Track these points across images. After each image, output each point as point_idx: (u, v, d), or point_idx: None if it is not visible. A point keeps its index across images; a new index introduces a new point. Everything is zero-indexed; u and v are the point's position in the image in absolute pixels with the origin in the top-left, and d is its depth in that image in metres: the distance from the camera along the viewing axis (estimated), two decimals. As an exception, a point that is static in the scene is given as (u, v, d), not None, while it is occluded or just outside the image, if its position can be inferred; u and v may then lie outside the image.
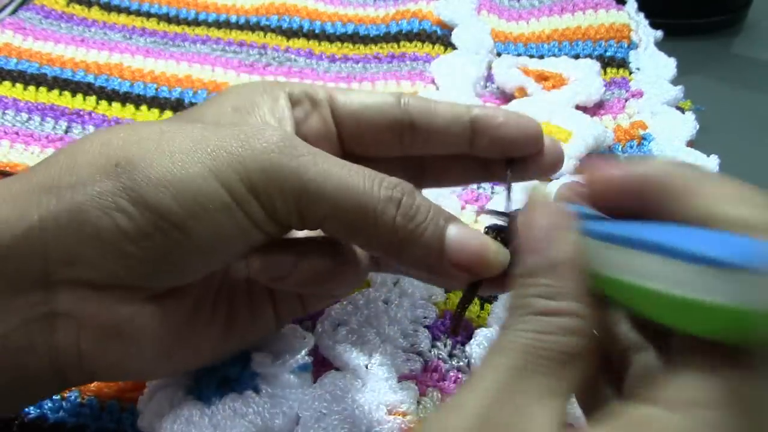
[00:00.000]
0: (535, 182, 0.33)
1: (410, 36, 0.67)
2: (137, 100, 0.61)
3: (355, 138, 0.37)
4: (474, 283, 0.32)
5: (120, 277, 0.29)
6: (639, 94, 0.60)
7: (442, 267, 0.31)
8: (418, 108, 0.37)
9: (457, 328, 0.36)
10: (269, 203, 0.30)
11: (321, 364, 0.39)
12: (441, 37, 0.67)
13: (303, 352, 0.37)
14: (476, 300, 0.44)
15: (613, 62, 0.65)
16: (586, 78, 0.60)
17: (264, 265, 0.32)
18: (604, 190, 0.27)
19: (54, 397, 0.38)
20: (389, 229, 0.30)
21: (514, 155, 0.38)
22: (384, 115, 0.36)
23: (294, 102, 0.36)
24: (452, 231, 0.31)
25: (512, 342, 0.25)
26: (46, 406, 0.38)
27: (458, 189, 0.51)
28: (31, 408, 0.38)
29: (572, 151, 0.52)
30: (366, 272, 0.37)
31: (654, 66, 0.65)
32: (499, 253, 0.31)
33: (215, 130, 0.31)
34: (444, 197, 0.49)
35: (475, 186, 0.52)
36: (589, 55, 0.65)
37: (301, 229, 0.31)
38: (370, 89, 0.62)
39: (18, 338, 0.29)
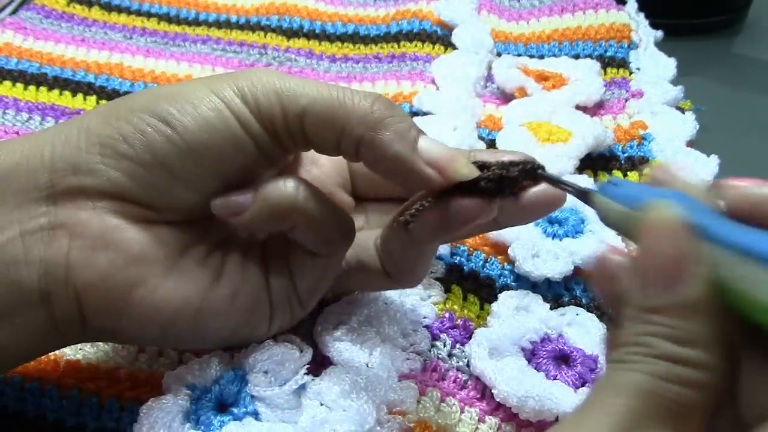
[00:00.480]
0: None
1: (410, 36, 0.67)
2: (137, 100, 0.60)
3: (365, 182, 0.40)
4: (441, 193, 0.33)
5: (119, 184, 0.32)
6: (639, 94, 0.60)
7: (414, 160, 0.32)
8: None
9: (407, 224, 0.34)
10: (255, 103, 0.32)
11: (320, 363, 0.39)
12: (441, 37, 0.67)
13: (301, 372, 0.36)
14: (476, 300, 0.44)
15: (613, 62, 0.65)
16: (586, 78, 0.60)
17: (223, 200, 0.33)
18: (740, 204, 0.25)
19: (53, 395, 0.38)
20: (366, 111, 0.32)
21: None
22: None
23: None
24: (425, 138, 0.33)
25: (631, 383, 0.24)
26: (46, 405, 0.38)
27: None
28: (31, 407, 0.38)
29: (572, 151, 0.52)
30: (349, 227, 0.36)
31: (654, 66, 0.65)
32: (467, 165, 0.32)
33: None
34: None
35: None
36: (590, 55, 0.65)
37: (287, 132, 0.33)
38: (371, 89, 0.62)
39: (13, 249, 0.31)
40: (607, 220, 0.29)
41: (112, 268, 0.32)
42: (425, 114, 0.57)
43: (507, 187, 0.33)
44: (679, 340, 0.23)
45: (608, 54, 0.65)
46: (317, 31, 0.70)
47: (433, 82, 0.61)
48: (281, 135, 0.33)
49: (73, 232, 0.31)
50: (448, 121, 0.55)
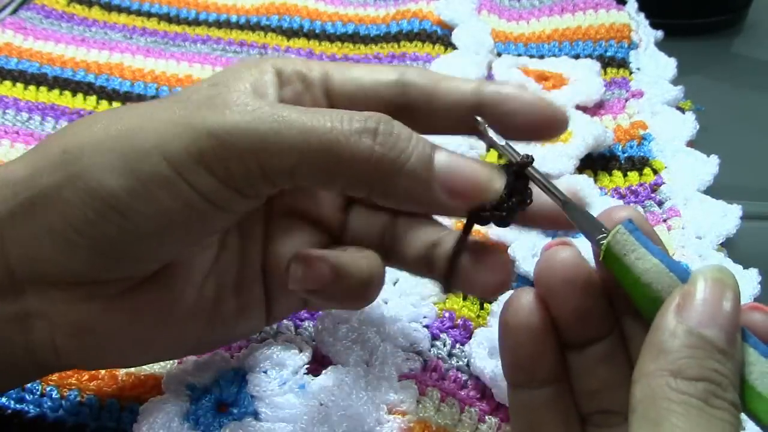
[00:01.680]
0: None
1: (410, 36, 0.67)
2: (138, 100, 0.61)
3: None
4: (473, 215, 0.30)
5: (77, 272, 0.29)
6: (639, 94, 0.60)
7: (432, 196, 0.29)
8: (418, 89, 0.33)
9: (452, 271, 0.33)
10: (221, 168, 0.27)
11: (320, 362, 0.39)
12: (441, 37, 0.67)
13: (301, 372, 0.36)
14: (475, 299, 0.44)
15: (614, 62, 0.64)
16: (586, 78, 0.60)
17: (304, 274, 0.30)
18: None
19: (53, 395, 0.38)
20: (368, 160, 0.28)
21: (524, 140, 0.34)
22: (381, 98, 0.33)
23: (284, 80, 0.33)
24: (440, 157, 0.29)
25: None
26: (45, 405, 0.38)
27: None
28: (31, 407, 0.38)
29: (572, 151, 0.52)
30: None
31: (654, 66, 0.65)
32: (493, 178, 0.29)
33: (170, 104, 0.29)
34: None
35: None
36: (590, 55, 0.65)
37: (271, 192, 0.29)
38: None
39: None
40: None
41: (103, 350, 0.31)
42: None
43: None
44: (737, 388, 0.24)
45: (608, 54, 0.65)
46: (317, 31, 0.70)
47: (433, 82, 0.61)
48: (264, 192, 0.29)
49: (53, 322, 0.30)
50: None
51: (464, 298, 0.43)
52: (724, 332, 0.24)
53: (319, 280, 0.30)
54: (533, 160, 0.30)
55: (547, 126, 0.33)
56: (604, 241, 0.28)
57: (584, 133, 0.53)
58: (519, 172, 0.30)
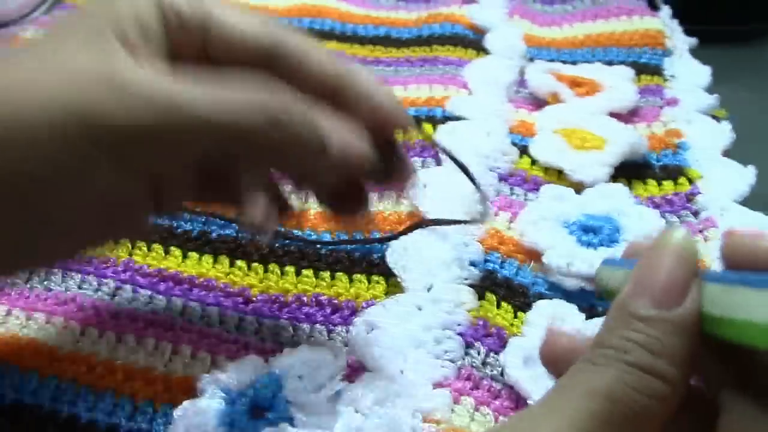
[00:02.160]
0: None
1: (442, 39, 0.67)
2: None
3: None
4: None
5: None
6: (674, 102, 0.60)
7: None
8: (287, 61, 0.34)
9: None
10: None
11: (354, 369, 0.39)
12: (473, 41, 0.67)
13: (337, 378, 0.36)
14: (509, 308, 0.43)
15: (647, 69, 0.64)
16: (620, 85, 0.60)
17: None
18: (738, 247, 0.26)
19: (88, 396, 0.39)
20: (270, 148, 0.31)
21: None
22: (253, 54, 0.33)
23: (167, 21, 0.32)
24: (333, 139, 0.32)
25: (598, 387, 0.24)
26: (80, 405, 0.38)
27: (492, 195, 0.50)
28: (65, 406, 0.38)
29: (606, 159, 0.52)
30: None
31: (688, 73, 0.64)
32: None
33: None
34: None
35: (508, 191, 0.51)
36: (623, 62, 0.64)
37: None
38: (403, 93, 0.61)
39: None
40: None
41: None
42: (458, 119, 0.56)
43: None
44: (657, 352, 0.24)
45: (642, 60, 0.64)
46: (348, 34, 0.70)
47: (465, 86, 0.61)
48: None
49: None
50: (481, 126, 0.55)
51: (498, 306, 0.43)
52: (649, 299, 0.25)
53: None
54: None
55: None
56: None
57: (619, 141, 0.53)
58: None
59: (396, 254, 0.44)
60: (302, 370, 0.36)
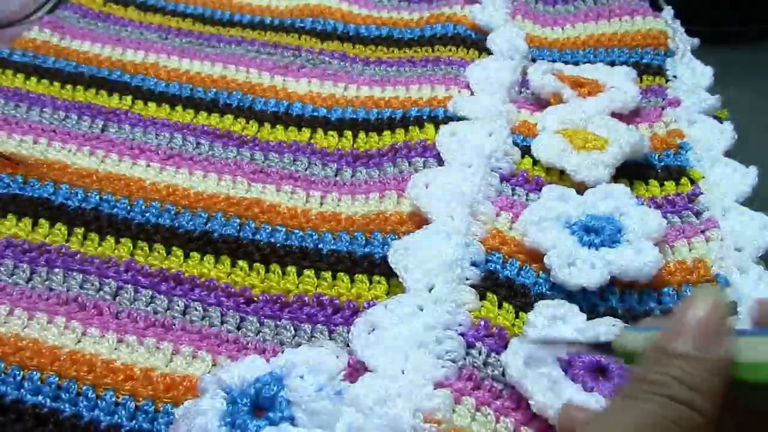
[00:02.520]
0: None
1: (445, 40, 0.67)
2: (172, 100, 0.61)
3: None
4: None
5: None
6: (676, 103, 0.59)
7: None
8: None
9: None
10: None
11: (356, 369, 0.39)
12: (476, 41, 0.67)
13: (339, 377, 0.36)
14: (510, 308, 0.43)
15: (650, 69, 0.64)
16: (622, 85, 0.60)
17: None
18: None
19: (89, 395, 0.39)
20: None
21: None
22: None
23: None
24: None
25: (640, 418, 0.26)
26: (81, 404, 0.38)
27: (492, 195, 0.50)
28: (66, 406, 0.38)
29: (608, 159, 0.52)
30: None
31: (690, 74, 0.64)
32: None
33: None
34: (479, 203, 0.48)
35: (509, 191, 0.51)
36: (625, 62, 0.64)
37: None
38: (404, 93, 0.62)
39: None
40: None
41: None
42: (460, 119, 0.56)
43: None
44: (694, 387, 0.26)
45: (644, 61, 0.64)
46: (351, 34, 0.70)
47: (467, 86, 0.61)
48: None
49: None
50: (483, 126, 0.55)
51: (499, 306, 0.43)
52: (688, 339, 0.27)
53: None
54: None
55: None
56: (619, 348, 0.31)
57: (621, 141, 0.53)
58: None
59: (398, 254, 0.44)
60: (303, 369, 0.36)
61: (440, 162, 0.52)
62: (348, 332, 0.41)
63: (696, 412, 0.26)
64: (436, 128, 0.55)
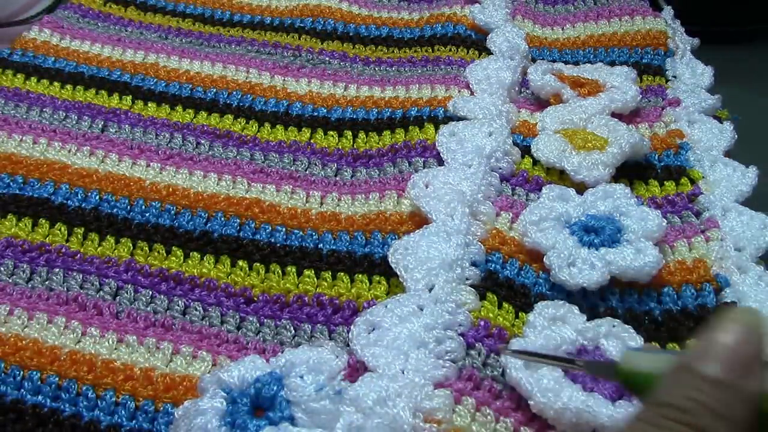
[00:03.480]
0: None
1: (444, 40, 0.67)
2: (172, 100, 0.61)
3: None
4: None
5: None
6: (676, 103, 0.59)
7: None
8: None
9: None
10: None
11: (356, 369, 0.39)
12: (476, 41, 0.67)
13: (339, 377, 0.36)
14: (510, 308, 0.43)
15: (650, 69, 0.64)
16: (622, 85, 0.60)
17: None
18: None
19: (89, 395, 0.39)
20: None
21: None
22: None
23: None
24: None
25: None
26: (81, 404, 0.38)
27: (492, 195, 0.50)
28: (66, 405, 0.38)
29: (608, 159, 0.52)
30: None
31: (690, 74, 0.64)
32: None
33: None
34: (479, 202, 0.48)
35: (509, 191, 0.51)
36: (625, 62, 0.64)
37: None
38: (404, 93, 0.62)
39: None
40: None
41: None
42: (460, 119, 0.56)
43: None
44: (720, 415, 0.25)
45: (644, 61, 0.64)
46: (351, 34, 0.70)
47: (467, 86, 0.61)
48: None
49: None
50: (482, 126, 0.55)
51: (499, 306, 0.43)
52: (719, 364, 0.26)
53: None
54: None
55: None
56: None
57: (621, 141, 0.52)
58: None
59: (398, 254, 0.44)
60: (303, 369, 0.36)
61: (440, 162, 0.52)
62: (348, 332, 0.41)
63: None
64: (436, 128, 0.55)
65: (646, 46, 0.66)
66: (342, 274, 0.46)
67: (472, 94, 0.60)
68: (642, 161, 0.54)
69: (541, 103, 0.61)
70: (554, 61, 0.66)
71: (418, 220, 0.48)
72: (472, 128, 0.54)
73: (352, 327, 0.40)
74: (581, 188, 0.50)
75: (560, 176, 0.53)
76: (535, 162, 0.54)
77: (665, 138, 0.56)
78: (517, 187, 0.52)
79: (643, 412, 0.26)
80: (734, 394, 0.25)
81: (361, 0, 0.74)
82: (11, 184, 0.52)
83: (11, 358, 0.40)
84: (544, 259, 0.45)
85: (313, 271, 0.46)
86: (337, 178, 0.54)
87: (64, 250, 0.48)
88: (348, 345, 0.40)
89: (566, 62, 0.65)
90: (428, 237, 0.45)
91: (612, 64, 0.64)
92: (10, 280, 0.46)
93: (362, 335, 0.39)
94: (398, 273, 0.43)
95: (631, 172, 0.53)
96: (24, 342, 0.41)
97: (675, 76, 0.64)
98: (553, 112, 0.58)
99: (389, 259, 0.44)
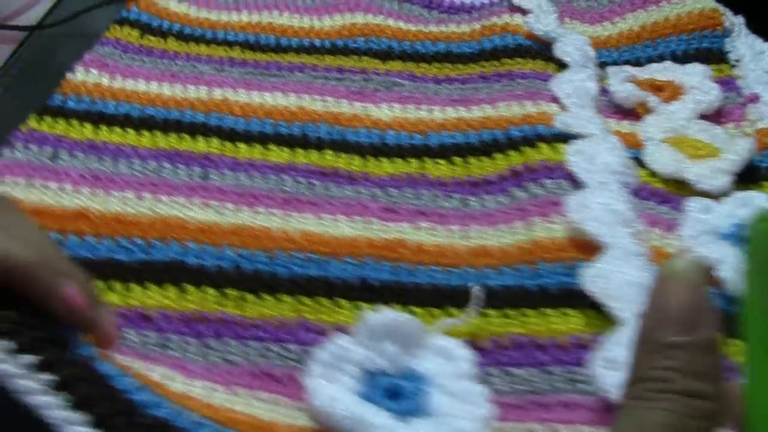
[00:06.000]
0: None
1: (508, 52, 0.67)
2: (261, 138, 0.57)
3: None
4: None
5: None
6: (755, 99, 0.61)
7: None
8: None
9: None
10: None
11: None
12: (539, 52, 0.67)
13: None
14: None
15: (711, 55, 0.65)
16: (701, 85, 0.61)
17: None
18: None
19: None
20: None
21: None
22: None
23: None
24: None
25: (656, 422, 0.26)
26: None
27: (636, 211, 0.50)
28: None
29: (728, 167, 0.53)
30: None
31: (750, 54, 0.65)
32: None
33: None
34: (633, 221, 0.49)
35: (644, 207, 0.52)
36: (685, 50, 0.65)
37: None
38: (491, 111, 0.61)
39: None
40: None
41: None
42: (567, 136, 0.56)
43: None
44: (696, 374, 0.26)
45: (704, 45, 0.65)
46: (409, 52, 0.68)
47: (554, 100, 0.61)
48: None
49: None
50: (600, 142, 0.55)
51: None
52: (671, 327, 0.27)
53: None
54: None
55: None
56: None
57: (734, 146, 0.54)
58: None
59: (596, 283, 0.43)
60: None
61: (572, 182, 0.52)
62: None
63: (705, 399, 0.26)
64: (551, 147, 0.55)
65: (703, 29, 0.67)
66: (528, 309, 0.45)
67: (562, 108, 0.60)
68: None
69: (624, 111, 0.61)
70: (615, 62, 0.66)
71: (579, 244, 0.47)
72: (594, 145, 0.54)
73: (593, 366, 0.39)
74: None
75: (677, 186, 0.54)
76: (652, 174, 0.54)
77: (761, 138, 0.58)
78: (646, 201, 0.52)
79: (630, 390, 0.28)
80: (693, 350, 0.26)
81: (404, 15, 0.73)
82: (133, 248, 0.48)
83: None
84: (716, 273, 0.46)
85: (501, 311, 0.45)
86: (467, 209, 0.53)
87: (224, 316, 0.45)
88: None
89: (628, 62, 0.66)
90: (612, 262, 0.45)
91: (673, 53, 0.65)
92: (186, 356, 0.42)
93: (606, 375, 0.39)
94: (603, 303, 0.43)
95: (740, 176, 0.54)
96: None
97: (738, 60, 0.65)
98: (652, 121, 0.59)
99: (588, 289, 0.43)
